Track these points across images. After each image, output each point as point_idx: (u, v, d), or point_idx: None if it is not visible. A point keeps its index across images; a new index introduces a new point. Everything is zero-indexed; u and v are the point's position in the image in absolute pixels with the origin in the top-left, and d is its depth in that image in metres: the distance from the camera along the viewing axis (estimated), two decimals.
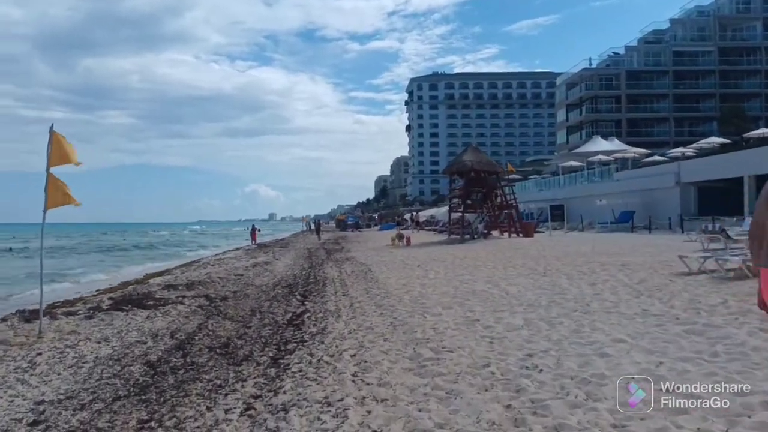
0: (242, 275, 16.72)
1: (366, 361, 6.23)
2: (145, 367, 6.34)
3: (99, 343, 7.54)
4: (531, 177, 59.53)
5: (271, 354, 7.03)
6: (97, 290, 15.24)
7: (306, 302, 11.21)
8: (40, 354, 6.90)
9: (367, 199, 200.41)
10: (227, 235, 68.18)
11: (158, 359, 6.70)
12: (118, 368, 6.32)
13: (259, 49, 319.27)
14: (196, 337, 7.95)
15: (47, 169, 7.95)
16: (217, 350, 7.20)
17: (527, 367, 5.57)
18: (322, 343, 7.42)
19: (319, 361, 6.42)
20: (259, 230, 72.27)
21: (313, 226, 60.28)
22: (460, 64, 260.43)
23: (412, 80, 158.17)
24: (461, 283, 12.19)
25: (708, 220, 26.79)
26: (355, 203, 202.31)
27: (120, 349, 7.19)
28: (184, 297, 11.99)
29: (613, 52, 69.60)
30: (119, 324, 8.92)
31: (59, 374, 6.12)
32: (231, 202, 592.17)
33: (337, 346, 7.13)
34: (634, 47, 68.02)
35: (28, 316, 8.87)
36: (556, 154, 67.74)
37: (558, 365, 5.59)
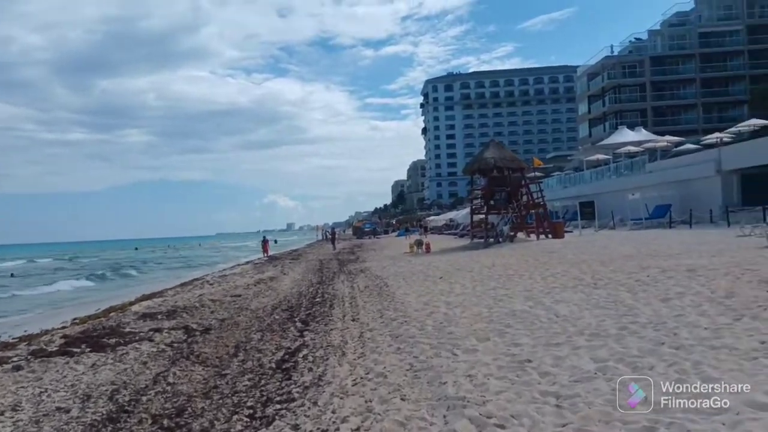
0: (239, 296, 14.59)
1: None
2: None
3: (1, 415, 5.40)
4: (553, 174, 56.68)
5: (238, 427, 4.92)
6: (73, 320, 13.25)
7: (306, 332, 9.14)
8: None
9: (385, 205, 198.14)
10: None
11: None
12: None
13: (274, 61, 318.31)
14: (145, 398, 5.83)
15: None
16: (164, 423, 5.07)
17: None
18: (315, 404, 5.34)
19: None
20: (275, 241, 70.48)
21: (328, 235, 57.92)
22: (475, 65, 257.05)
23: (427, 82, 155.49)
24: (495, 301, 9.90)
25: (755, 211, 24.10)
26: (372, 210, 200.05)
27: (22, 427, 5.05)
28: (157, 330, 9.85)
29: (635, 38, 66.43)
30: (50, 379, 6.74)
31: None
32: (250, 214, 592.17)
33: (334, 411, 5.05)
34: (657, 31, 64.72)
35: None
36: (579, 148, 64.77)
37: None
